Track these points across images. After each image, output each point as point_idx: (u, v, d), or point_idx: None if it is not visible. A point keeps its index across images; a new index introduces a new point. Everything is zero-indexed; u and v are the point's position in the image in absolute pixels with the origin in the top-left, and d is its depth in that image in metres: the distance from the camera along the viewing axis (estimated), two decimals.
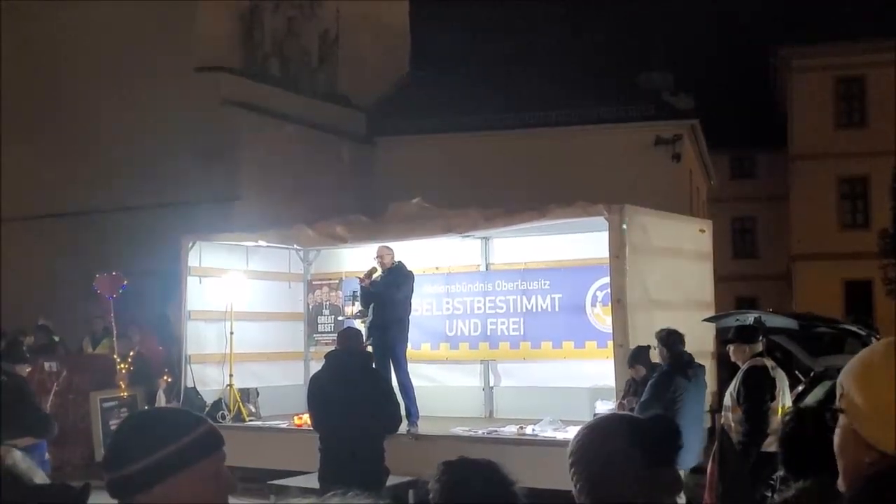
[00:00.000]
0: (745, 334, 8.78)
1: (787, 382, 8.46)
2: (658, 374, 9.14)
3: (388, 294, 11.99)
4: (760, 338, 8.80)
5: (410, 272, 12.26)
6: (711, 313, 12.48)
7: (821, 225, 35.00)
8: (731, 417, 8.53)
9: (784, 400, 8.35)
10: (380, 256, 12.30)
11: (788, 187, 36.66)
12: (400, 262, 12.30)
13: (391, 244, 12.51)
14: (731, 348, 8.73)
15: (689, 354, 9.36)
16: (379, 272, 12.24)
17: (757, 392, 8.27)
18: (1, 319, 16.79)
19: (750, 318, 10.14)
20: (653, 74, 29.32)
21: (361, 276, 12.44)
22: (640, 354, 9.90)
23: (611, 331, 11.31)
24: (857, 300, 33.77)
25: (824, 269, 34.24)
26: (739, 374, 8.52)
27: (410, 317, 12.40)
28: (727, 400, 8.65)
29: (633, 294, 11.15)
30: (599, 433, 2.38)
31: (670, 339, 9.28)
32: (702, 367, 9.46)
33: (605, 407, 11.23)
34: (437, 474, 2.75)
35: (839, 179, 35.60)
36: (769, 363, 8.56)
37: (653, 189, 22.12)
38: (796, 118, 36.20)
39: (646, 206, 12.98)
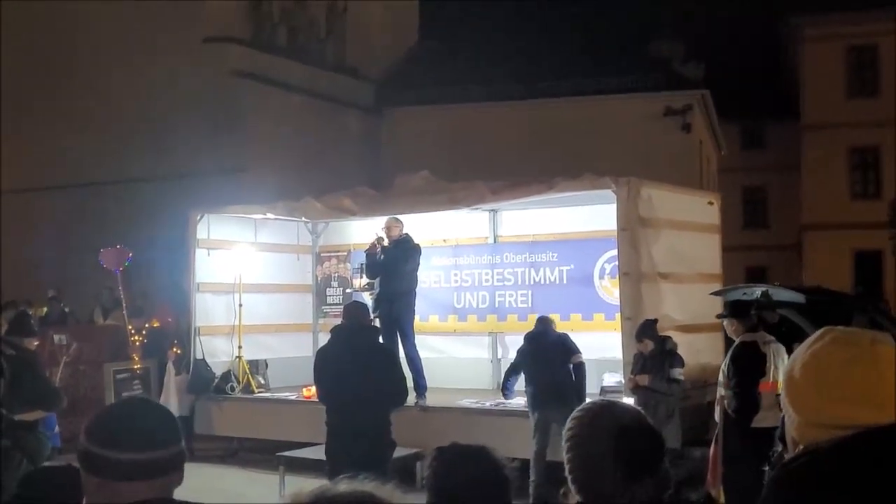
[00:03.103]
0: (736, 310, 8.79)
1: (784, 356, 8.36)
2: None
3: (395, 266, 12.01)
4: (752, 312, 8.80)
5: (417, 245, 12.27)
6: (719, 285, 12.49)
7: (831, 195, 34.83)
8: (723, 393, 8.58)
9: (779, 374, 8.30)
10: (387, 227, 12.29)
11: (799, 157, 36.46)
12: (407, 234, 12.31)
13: (399, 217, 12.51)
14: (724, 323, 8.77)
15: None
16: (385, 242, 12.23)
17: (745, 368, 8.29)
18: (1, 292, 16.88)
19: (757, 291, 10.13)
20: (663, 43, 29.12)
21: (367, 246, 12.46)
22: (647, 328, 9.92)
23: (618, 303, 11.32)
24: (867, 270, 33.71)
25: (835, 240, 34.11)
26: (730, 351, 8.55)
27: (418, 289, 12.43)
28: (720, 376, 8.68)
29: (641, 267, 11.15)
30: (589, 437, 2.40)
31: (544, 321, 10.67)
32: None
33: (613, 379, 11.28)
34: (430, 460, 2.77)
35: (850, 149, 35.37)
36: (761, 338, 8.52)
37: (662, 160, 22.08)
38: (807, 87, 35.94)
39: (655, 176, 12.96)
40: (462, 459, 2.74)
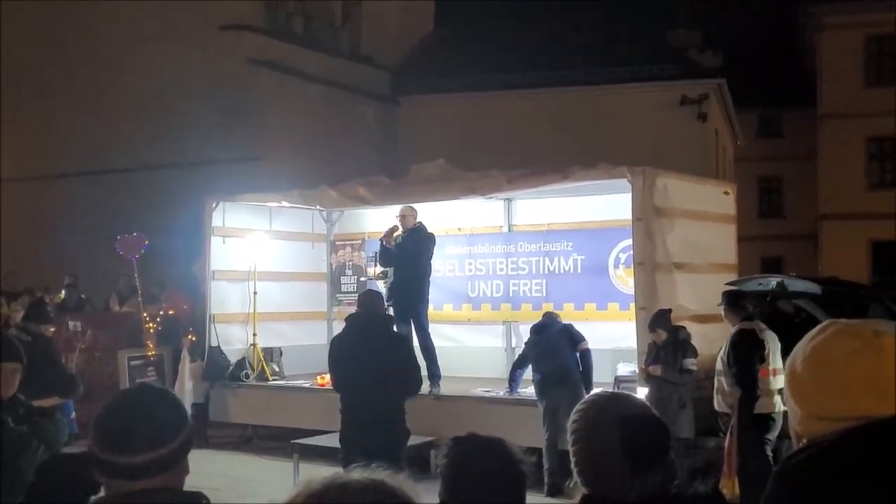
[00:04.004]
0: (731, 299, 8.92)
1: (778, 345, 8.60)
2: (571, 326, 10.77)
3: (409, 255, 12.01)
4: (744, 302, 8.94)
5: (431, 234, 12.26)
6: (734, 275, 12.47)
7: (848, 184, 34.59)
8: (723, 381, 8.66)
9: (775, 363, 8.46)
10: (402, 216, 12.28)
11: (816, 146, 36.23)
12: (421, 223, 12.30)
13: (414, 206, 12.50)
14: (723, 313, 8.90)
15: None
16: (400, 231, 12.24)
17: (745, 355, 8.41)
18: (1, 279, 16.98)
19: (773, 282, 10.13)
20: (680, 32, 28.98)
21: (382, 234, 12.47)
22: (660, 318, 9.91)
23: (633, 293, 11.29)
24: (883, 260, 33.51)
25: (851, 230, 33.91)
26: (728, 338, 8.64)
27: (432, 277, 12.43)
28: (718, 364, 8.77)
29: (656, 256, 11.12)
30: (593, 430, 2.40)
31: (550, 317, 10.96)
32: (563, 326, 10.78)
33: (627, 369, 11.27)
34: (447, 450, 2.76)
35: (868, 139, 35.11)
36: (758, 326, 8.65)
37: (678, 149, 22.01)
38: (825, 76, 35.69)
39: (671, 166, 12.92)
40: (479, 451, 2.73)
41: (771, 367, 8.50)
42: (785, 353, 8.54)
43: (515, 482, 2.71)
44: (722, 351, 8.76)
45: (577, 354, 10.43)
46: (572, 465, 2.42)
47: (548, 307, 13.32)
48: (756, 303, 9.60)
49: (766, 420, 8.45)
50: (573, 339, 10.49)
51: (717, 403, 8.92)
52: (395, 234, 12.27)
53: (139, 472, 2.22)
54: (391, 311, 11.23)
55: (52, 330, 9.44)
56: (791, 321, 10.65)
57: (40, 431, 4.71)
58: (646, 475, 2.33)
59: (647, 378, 9.84)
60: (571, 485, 2.44)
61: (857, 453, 1.73)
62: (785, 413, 8.49)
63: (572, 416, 2.47)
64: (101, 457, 2.25)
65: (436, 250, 12.40)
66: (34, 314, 9.24)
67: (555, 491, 9.85)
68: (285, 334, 14.71)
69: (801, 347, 1.96)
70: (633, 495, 2.32)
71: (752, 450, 8.11)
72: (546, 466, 9.95)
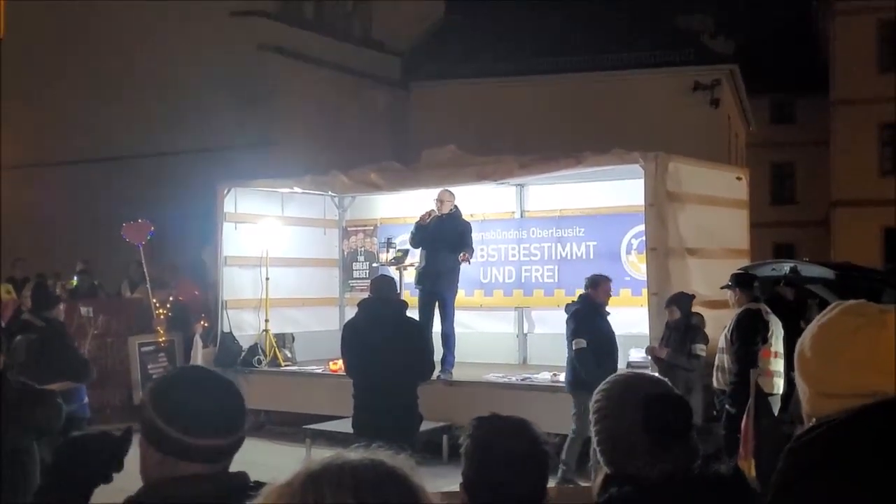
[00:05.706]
0: (740, 280, 9.03)
1: (781, 329, 8.72)
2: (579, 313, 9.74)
3: (445, 240, 11.83)
4: (756, 283, 8.99)
5: (467, 221, 12.15)
6: (747, 261, 12.44)
7: (861, 171, 34.44)
8: (724, 359, 8.73)
9: (777, 346, 8.52)
10: (440, 200, 12.10)
11: (829, 132, 36.08)
12: (457, 208, 12.17)
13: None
14: (728, 294, 8.90)
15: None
16: (436, 215, 12.06)
17: (748, 333, 8.51)
18: None
19: (786, 267, 10.11)
20: (692, 17, 28.89)
21: (419, 217, 12.24)
22: (679, 298, 9.88)
23: (645, 279, 11.28)
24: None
25: (864, 216, 33.77)
26: (733, 317, 8.71)
27: None
28: (721, 342, 8.87)
29: (669, 242, 11.09)
30: (616, 409, 2.40)
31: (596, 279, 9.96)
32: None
33: (639, 355, 11.25)
34: (470, 430, 2.76)
35: (881, 125, 34.93)
36: (764, 308, 8.78)
37: (690, 135, 21.96)
38: (838, 62, 35.49)
39: (683, 151, 12.88)
40: (503, 431, 2.74)
41: (773, 350, 8.58)
42: (786, 337, 8.63)
43: (539, 462, 2.72)
44: (726, 329, 8.82)
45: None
46: (595, 445, 2.42)
47: (559, 293, 13.33)
48: (759, 287, 9.62)
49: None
50: (571, 333, 9.72)
51: (717, 380, 9.00)
52: (432, 216, 12.08)
53: (201, 454, 2.24)
54: (413, 295, 11.21)
55: (62, 307, 9.42)
56: (789, 306, 10.65)
57: (26, 415, 4.65)
58: (668, 453, 2.33)
59: (655, 359, 9.82)
60: (592, 466, 2.44)
61: (867, 432, 1.75)
62: (784, 396, 8.58)
63: (595, 396, 2.47)
64: (166, 431, 2.24)
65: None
66: (39, 301, 9.21)
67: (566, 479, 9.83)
68: (297, 320, 14.73)
69: (810, 329, 2.00)
70: (656, 474, 2.32)
71: (768, 431, 8.12)
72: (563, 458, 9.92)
